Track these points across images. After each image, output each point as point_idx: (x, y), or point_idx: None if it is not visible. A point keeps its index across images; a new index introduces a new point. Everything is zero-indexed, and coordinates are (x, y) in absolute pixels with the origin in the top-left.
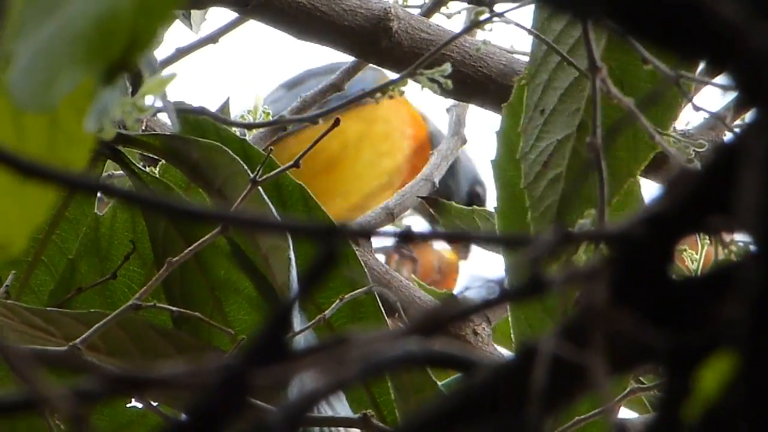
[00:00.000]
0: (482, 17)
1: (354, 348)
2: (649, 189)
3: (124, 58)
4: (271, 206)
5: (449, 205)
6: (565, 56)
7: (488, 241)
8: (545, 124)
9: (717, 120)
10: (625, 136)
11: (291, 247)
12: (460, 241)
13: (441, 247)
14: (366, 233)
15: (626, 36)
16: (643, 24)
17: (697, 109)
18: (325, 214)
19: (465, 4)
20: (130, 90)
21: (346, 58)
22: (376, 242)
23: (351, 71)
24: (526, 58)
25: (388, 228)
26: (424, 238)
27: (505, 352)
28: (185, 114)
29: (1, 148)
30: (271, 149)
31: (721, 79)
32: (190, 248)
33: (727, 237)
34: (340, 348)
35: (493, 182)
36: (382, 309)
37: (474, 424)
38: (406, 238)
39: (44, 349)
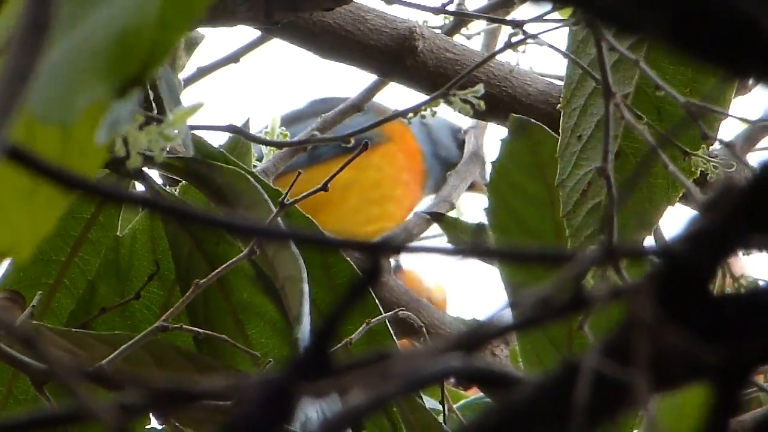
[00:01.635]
0: (515, 39)
1: (395, 363)
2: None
3: (139, 74)
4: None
5: (454, 220)
6: (597, 78)
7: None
8: (582, 151)
9: (728, 149)
10: (661, 163)
11: (305, 280)
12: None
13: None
14: (409, 249)
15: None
16: (691, 39)
17: (705, 137)
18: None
19: (484, 25)
20: (156, 110)
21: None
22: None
23: (373, 91)
24: (552, 80)
25: (432, 243)
26: (469, 254)
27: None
28: (214, 130)
29: (44, 161)
30: (300, 172)
31: (733, 110)
32: (217, 270)
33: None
34: (382, 363)
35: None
36: (394, 335)
37: None
38: (452, 254)
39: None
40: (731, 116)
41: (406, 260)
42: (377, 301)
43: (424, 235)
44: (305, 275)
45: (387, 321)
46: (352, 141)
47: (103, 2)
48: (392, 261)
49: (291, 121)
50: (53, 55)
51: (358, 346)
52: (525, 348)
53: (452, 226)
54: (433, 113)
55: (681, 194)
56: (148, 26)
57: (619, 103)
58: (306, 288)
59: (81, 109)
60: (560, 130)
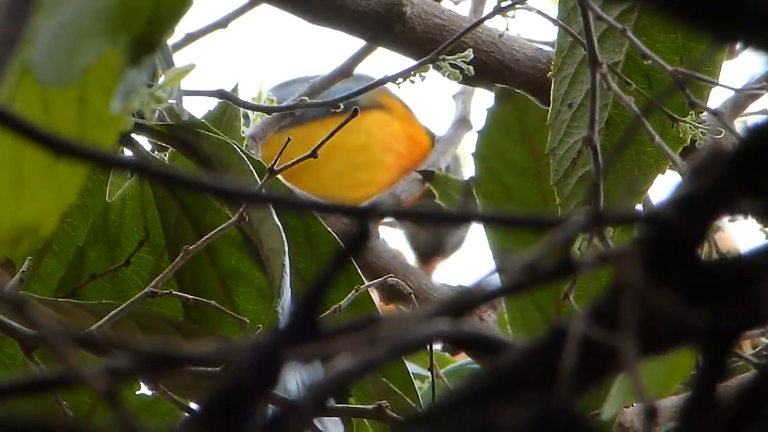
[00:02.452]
0: (504, 4)
1: (383, 327)
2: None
3: (149, 37)
4: (295, 190)
5: (446, 178)
6: (585, 45)
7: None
8: (573, 120)
9: (715, 117)
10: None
11: (286, 252)
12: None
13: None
14: (397, 213)
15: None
16: (686, 3)
17: (693, 105)
18: (319, 222)
19: None
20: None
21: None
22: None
23: (360, 56)
24: (541, 46)
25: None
26: (457, 219)
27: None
28: (203, 95)
29: (30, 124)
30: (289, 138)
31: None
32: (206, 237)
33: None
34: (370, 327)
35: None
36: (375, 303)
37: (503, 405)
38: (439, 219)
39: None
40: (718, 84)
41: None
42: (358, 270)
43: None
44: (286, 248)
45: (375, 287)
46: (341, 106)
47: None
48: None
49: (279, 88)
50: (57, 17)
51: (341, 314)
52: (512, 313)
53: (443, 184)
54: (422, 78)
55: (671, 162)
56: None
57: (606, 72)
58: (287, 260)
59: (83, 67)
60: (551, 98)
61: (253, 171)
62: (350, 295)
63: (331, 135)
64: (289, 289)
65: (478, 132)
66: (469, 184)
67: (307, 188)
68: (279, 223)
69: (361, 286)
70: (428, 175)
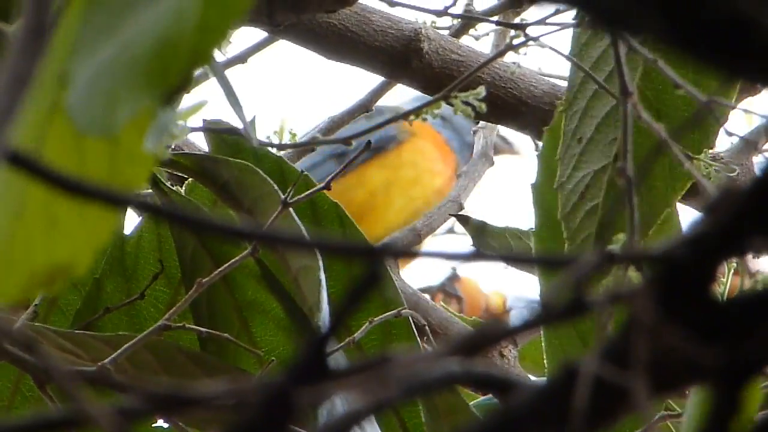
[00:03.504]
0: (516, 41)
1: (395, 368)
2: (688, 215)
3: (182, 80)
4: (302, 227)
5: (482, 224)
6: (599, 82)
7: (529, 262)
8: (582, 154)
9: (749, 144)
10: (661, 165)
11: (322, 268)
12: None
13: (489, 288)
14: (409, 254)
15: (657, 62)
16: (690, 41)
17: (729, 134)
18: (360, 234)
19: (493, 26)
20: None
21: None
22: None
23: (379, 92)
24: (557, 81)
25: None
26: (467, 258)
27: (530, 375)
28: (215, 133)
29: (35, 161)
30: (302, 171)
31: (752, 104)
32: (220, 269)
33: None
34: (382, 368)
35: (532, 206)
36: (415, 330)
37: None
38: (449, 258)
39: (82, 368)
40: (750, 112)
41: (463, 268)
42: (399, 292)
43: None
44: (321, 263)
45: (409, 319)
46: (353, 143)
47: (141, 9)
48: (449, 269)
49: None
50: (92, 64)
51: (373, 345)
52: (551, 342)
53: (478, 230)
54: (434, 116)
55: (679, 196)
56: (188, 33)
57: (636, 102)
58: (323, 276)
59: (123, 120)
60: (561, 133)
61: (278, 190)
62: (363, 327)
63: (342, 169)
64: (327, 305)
65: (531, 185)
66: (482, 225)
67: (375, 229)
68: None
69: (375, 319)
70: (464, 221)
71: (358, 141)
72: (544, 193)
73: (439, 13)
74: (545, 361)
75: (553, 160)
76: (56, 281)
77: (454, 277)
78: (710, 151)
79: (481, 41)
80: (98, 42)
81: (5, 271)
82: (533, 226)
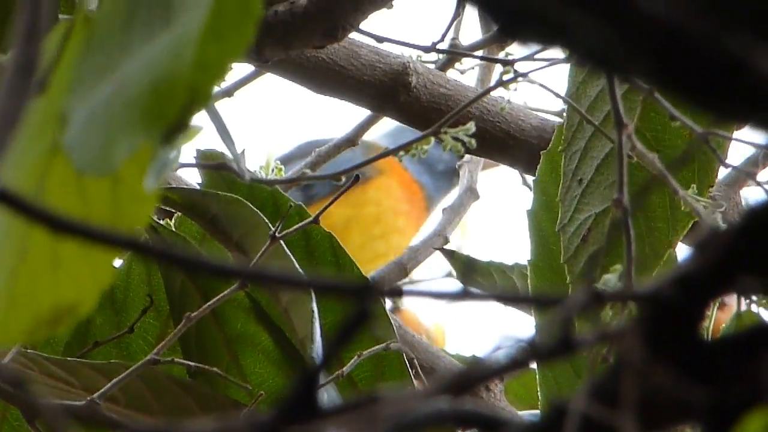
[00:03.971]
0: (507, 77)
1: (384, 406)
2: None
3: (182, 118)
4: (294, 261)
5: (468, 258)
6: (593, 123)
7: (517, 301)
8: (583, 196)
9: (746, 176)
10: (662, 206)
11: (314, 299)
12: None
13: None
14: (398, 292)
15: (654, 94)
16: (682, 82)
17: (726, 165)
18: (354, 265)
19: (478, 61)
20: None
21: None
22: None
23: (366, 126)
24: (546, 116)
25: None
26: (457, 297)
27: (515, 410)
28: (204, 168)
29: (30, 203)
30: (290, 205)
31: (749, 135)
32: (208, 304)
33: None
34: (370, 406)
35: (527, 233)
36: (408, 365)
37: None
38: (440, 297)
39: (70, 404)
40: (749, 143)
41: (403, 300)
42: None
43: (421, 267)
44: (312, 294)
45: (402, 354)
46: (343, 179)
47: (137, 48)
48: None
49: (283, 161)
50: (90, 103)
51: (365, 378)
52: (545, 376)
53: (463, 264)
54: (424, 152)
55: (681, 237)
56: (185, 71)
57: (631, 134)
58: (315, 307)
59: (121, 159)
60: (561, 173)
61: (268, 223)
62: (352, 361)
63: (332, 202)
64: (320, 335)
65: (527, 211)
66: (470, 261)
67: None
68: (302, 271)
69: (364, 352)
70: (449, 255)
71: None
72: (539, 219)
73: (427, 49)
74: (539, 395)
75: (548, 184)
76: (61, 322)
77: (394, 309)
78: (711, 188)
79: (467, 75)
80: (96, 81)
81: (10, 312)
82: (529, 254)
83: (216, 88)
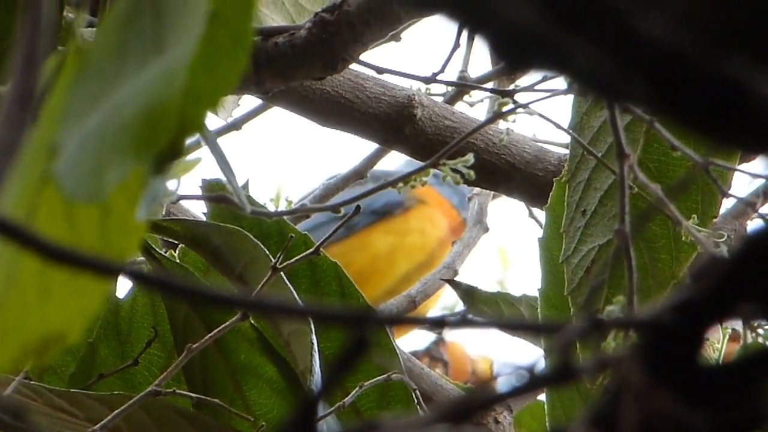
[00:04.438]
0: (506, 108)
1: None
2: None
3: (173, 146)
4: (293, 292)
5: (474, 290)
6: (595, 154)
7: (517, 328)
8: (587, 227)
9: (747, 206)
10: (665, 238)
11: (313, 332)
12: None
13: (476, 353)
14: (397, 320)
15: (655, 124)
16: (683, 107)
17: (726, 195)
18: (359, 294)
19: (487, 93)
20: None
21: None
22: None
23: (374, 158)
24: (552, 148)
25: (422, 315)
26: (456, 325)
27: None
28: (208, 200)
29: (28, 232)
30: (292, 235)
31: (750, 166)
32: (210, 334)
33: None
34: None
35: (539, 261)
36: (414, 396)
37: None
38: (439, 325)
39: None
40: (748, 173)
41: (449, 333)
42: (399, 357)
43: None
44: (312, 326)
45: (405, 382)
46: (342, 210)
47: (129, 77)
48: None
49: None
50: (81, 132)
51: (370, 408)
52: (553, 404)
53: (469, 294)
54: (423, 183)
55: (685, 268)
56: (176, 98)
57: (633, 164)
58: (314, 339)
59: (111, 186)
60: (565, 204)
61: (269, 255)
62: (354, 391)
63: (333, 233)
64: (319, 367)
65: (538, 239)
66: (470, 290)
67: (376, 292)
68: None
69: (366, 383)
70: (455, 285)
71: (346, 208)
72: (550, 247)
73: (428, 80)
74: (547, 424)
75: (561, 214)
76: (49, 350)
77: (440, 341)
78: (715, 219)
79: (476, 108)
80: (87, 110)
81: None
82: (540, 283)
83: (223, 122)
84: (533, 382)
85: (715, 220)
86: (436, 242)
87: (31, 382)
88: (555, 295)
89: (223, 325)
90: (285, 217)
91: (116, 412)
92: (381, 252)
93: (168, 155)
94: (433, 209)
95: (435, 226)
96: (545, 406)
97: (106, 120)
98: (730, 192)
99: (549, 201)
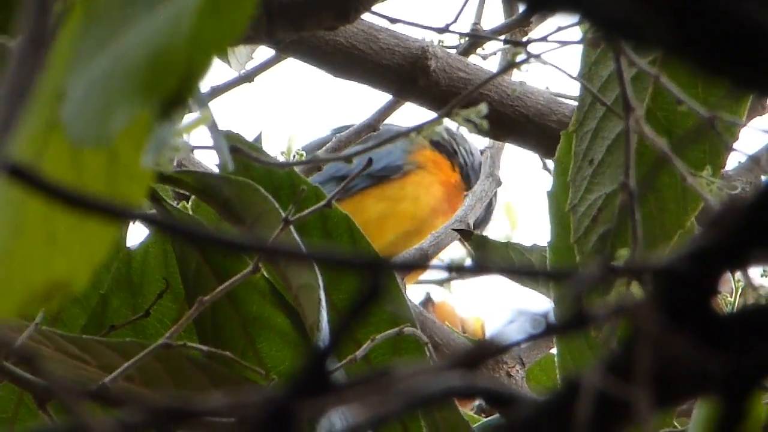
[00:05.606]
0: (518, 58)
1: (397, 381)
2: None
3: (179, 92)
4: (303, 245)
5: (484, 239)
6: (605, 102)
7: (529, 275)
8: (594, 176)
9: (756, 163)
10: (673, 187)
11: (321, 287)
12: (505, 274)
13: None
14: (412, 266)
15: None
16: (702, 48)
17: (731, 150)
18: (370, 245)
19: (501, 45)
20: None
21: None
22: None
23: (387, 110)
24: (565, 100)
25: (435, 261)
26: (472, 271)
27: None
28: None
29: (46, 179)
30: (303, 188)
31: (758, 121)
32: (222, 286)
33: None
34: (383, 381)
35: (548, 214)
36: (425, 346)
37: None
38: (455, 270)
39: (83, 382)
40: (754, 128)
41: (437, 292)
42: (409, 307)
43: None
44: (321, 282)
45: (419, 338)
46: (354, 161)
47: (136, 22)
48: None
49: (314, 149)
50: (88, 77)
51: (382, 359)
52: (563, 357)
53: (480, 245)
54: (435, 134)
55: (692, 218)
56: (182, 45)
57: (640, 117)
58: (323, 295)
59: (117, 129)
60: (572, 153)
61: (279, 209)
62: (365, 345)
63: (347, 183)
64: (327, 323)
65: (547, 192)
66: (482, 238)
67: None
68: None
69: (377, 336)
70: (466, 236)
71: (359, 160)
72: (559, 200)
73: (441, 31)
74: (558, 376)
75: (569, 166)
76: (55, 297)
77: (428, 301)
78: (722, 168)
79: (489, 60)
80: (94, 55)
81: (4, 286)
82: (549, 235)
83: (236, 74)
84: (547, 329)
85: (723, 171)
86: (429, 211)
87: (43, 328)
88: (564, 247)
89: (235, 277)
90: (296, 169)
91: (130, 362)
92: (371, 218)
93: (174, 100)
94: (431, 176)
95: (429, 193)
96: (556, 360)
97: (113, 65)
98: (734, 147)
99: (557, 153)
